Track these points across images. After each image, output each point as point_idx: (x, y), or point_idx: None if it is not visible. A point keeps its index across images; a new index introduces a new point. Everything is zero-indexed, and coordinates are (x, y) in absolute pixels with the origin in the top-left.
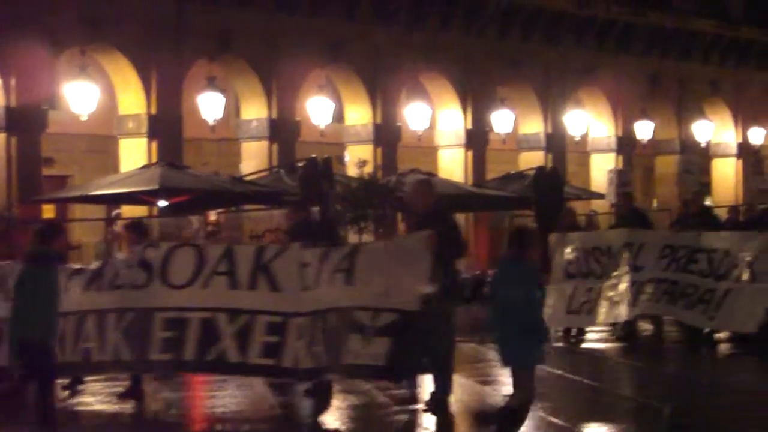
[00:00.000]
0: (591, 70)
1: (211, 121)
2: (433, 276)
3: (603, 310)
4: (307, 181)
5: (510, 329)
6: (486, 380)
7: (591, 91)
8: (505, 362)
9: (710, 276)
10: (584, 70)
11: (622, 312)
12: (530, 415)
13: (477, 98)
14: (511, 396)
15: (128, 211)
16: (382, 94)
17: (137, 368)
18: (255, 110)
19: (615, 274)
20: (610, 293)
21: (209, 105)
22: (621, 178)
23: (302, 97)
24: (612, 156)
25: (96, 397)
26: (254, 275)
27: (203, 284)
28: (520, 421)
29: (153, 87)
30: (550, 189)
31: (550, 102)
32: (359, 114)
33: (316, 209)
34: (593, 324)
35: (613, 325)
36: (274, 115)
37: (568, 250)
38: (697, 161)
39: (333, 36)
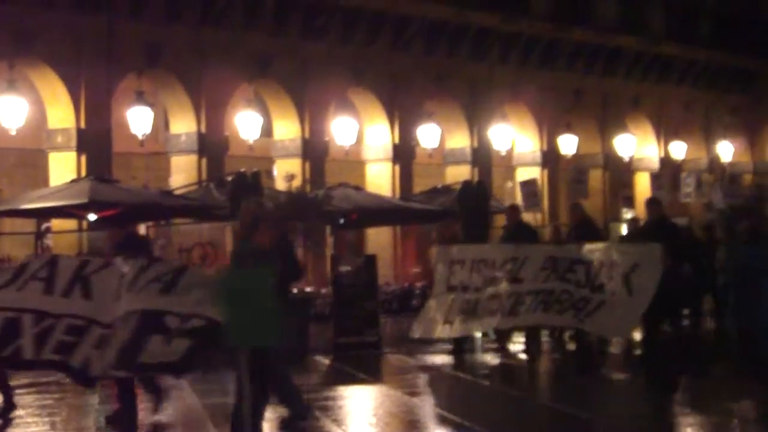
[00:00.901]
0: (516, 86)
1: (140, 136)
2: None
3: (479, 320)
4: (236, 194)
5: None
6: (414, 392)
7: (516, 106)
8: None
9: (586, 287)
10: (509, 86)
11: (498, 322)
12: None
13: (404, 113)
14: None
15: (58, 224)
16: (310, 109)
17: None
18: (184, 124)
19: (495, 286)
20: (488, 304)
21: (138, 119)
22: (527, 190)
23: (231, 111)
24: (537, 170)
25: (26, 410)
26: (71, 284)
27: (19, 287)
28: None
29: (82, 101)
30: (477, 202)
31: (476, 117)
32: (287, 128)
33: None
34: (467, 333)
35: (529, 347)
36: (203, 130)
37: (450, 262)
38: (587, 170)
39: (261, 51)
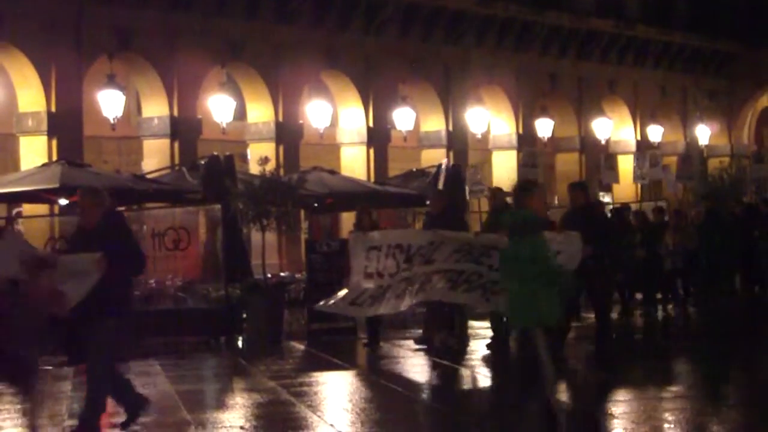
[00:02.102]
0: (491, 69)
1: (111, 119)
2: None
3: (385, 303)
4: (210, 178)
5: None
6: (389, 377)
7: (491, 89)
8: None
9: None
10: (484, 69)
11: (404, 302)
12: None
13: (378, 96)
14: None
15: (29, 209)
16: (284, 92)
17: None
18: (156, 108)
19: (409, 270)
20: (397, 287)
21: (109, 102)
22: (472, 176)
23: (203, 95)
24: (513, 153)
25: None
26: None
27: None
28: None
29: (52, 84)
30: (453, 186)
31: (451, 100)
32: (261, 112)
33: (218, 207)
34: (373, 314)
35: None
36: (176, 113)
37: (368, 249)
38: (538, 154)
39: (233, 34)
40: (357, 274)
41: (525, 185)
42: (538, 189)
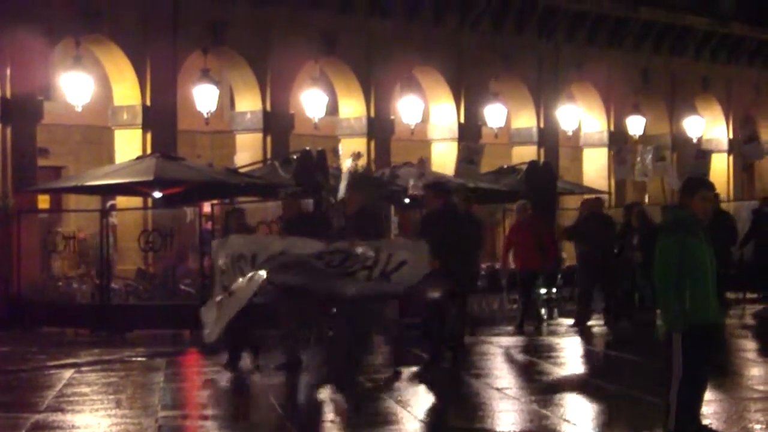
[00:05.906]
0: (583, 65)
1: (205, 113)
2: None
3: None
4: (302, 173)
5: None
6: (479, 373)
7: (583, 86)
8: None
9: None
10: (576, 65)
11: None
12: None
13: (470, 92)
14: None
15: (123, 201)
16: (376, 88)
17: None
18: (249, 102)
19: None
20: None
21: (203, 97)
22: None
23: (296, 89)
24: (604, 150)
25: (91, 387)
26: None
27: None
28: None
29: (147, 78)
30: (543, 183)
31: (543, 96)
32: (353, 107)
33: (310, 201)
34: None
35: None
36: (268, 108)
37: (223, 257)
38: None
39: (327, 29)
40: (217, 287)
41: (690, 184)
42: (703, 189)
